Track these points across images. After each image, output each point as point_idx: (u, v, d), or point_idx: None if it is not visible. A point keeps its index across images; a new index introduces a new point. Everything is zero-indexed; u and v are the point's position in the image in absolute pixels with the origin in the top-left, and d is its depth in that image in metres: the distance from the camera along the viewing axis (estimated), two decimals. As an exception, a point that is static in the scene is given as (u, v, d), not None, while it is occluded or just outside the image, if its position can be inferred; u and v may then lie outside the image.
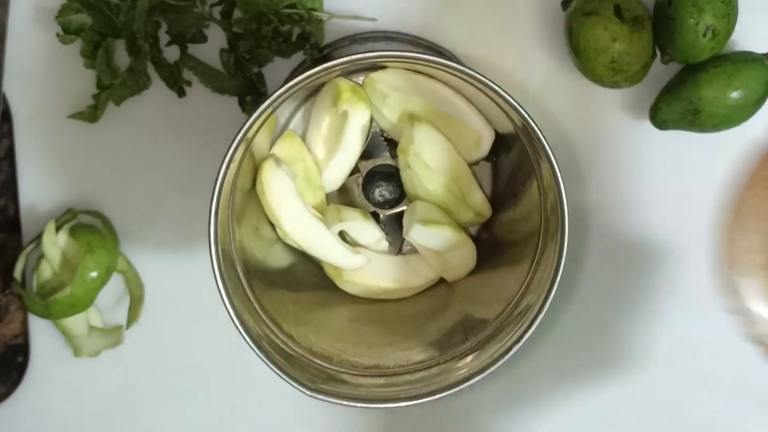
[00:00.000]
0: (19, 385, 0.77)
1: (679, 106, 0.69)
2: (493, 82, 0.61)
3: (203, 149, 0.74)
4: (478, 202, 0.72)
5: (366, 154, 0.72)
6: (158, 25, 0.71)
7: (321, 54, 0.72)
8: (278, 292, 0.70)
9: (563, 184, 0.61)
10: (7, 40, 0.73)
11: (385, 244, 0.73)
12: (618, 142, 0.74)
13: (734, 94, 0.68)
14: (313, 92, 0.71)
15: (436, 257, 0.72)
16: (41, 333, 0.77)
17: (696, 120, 0.69)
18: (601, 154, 0.74)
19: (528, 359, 0.77)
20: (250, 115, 0.60)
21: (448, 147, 0.70)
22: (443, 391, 0.63)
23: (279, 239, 0.72)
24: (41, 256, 0.74)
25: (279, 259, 0.72)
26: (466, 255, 0.71)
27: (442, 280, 0.73)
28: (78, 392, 0.78)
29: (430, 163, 0.69)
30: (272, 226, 0.71)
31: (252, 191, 0.69)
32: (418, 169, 0.69)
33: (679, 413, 0.78)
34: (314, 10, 0.70)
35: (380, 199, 0.73)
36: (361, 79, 0.70)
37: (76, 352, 0.76)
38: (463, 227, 0.72)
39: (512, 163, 0.71)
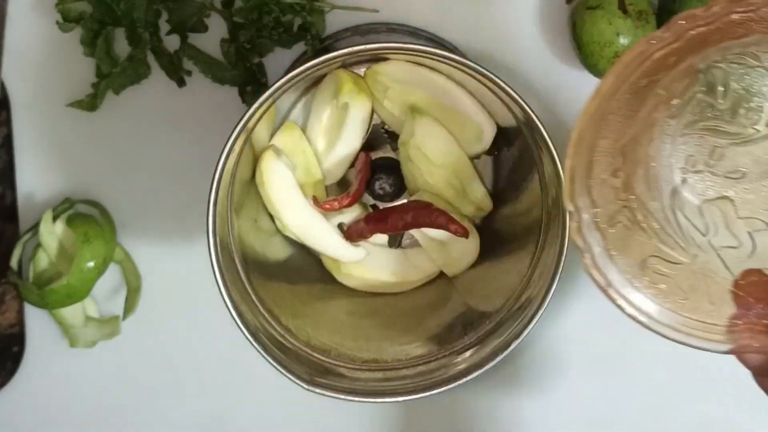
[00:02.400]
0: (15, 375, 0.77)
1: (682, 101, 0.69)
2: (496, 75, 0.61)
3: (203, 139, 0.74)
4: (479, 195, 0.71)
5: (367, 147, 0.71)
6: (159, 14, 0.71)
7: (322, 45, 0.71)
8: (276, 285, 0.70)
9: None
10: (6, 28, 0.73)
11: (384, 237, 0.73)
12: (620, 137, 0.74)
13: (738, 91, 0.67)
14: (314, 83, 0.71)
15: (439, 248, 0.71)
16: (37, 323, 0.77)
17: (699, 116, 0.69)
18: (604, 150, 0.74)
19: (527, 354, 0.76)
20: (250, 105, 0.60)
21: (449, 140, 0.70)
22: (441, 386, 0.63)
23: (278, 231, 0.71)
24: (38, 245, 0.73)
25: (277, 251, 0.72)
26: (469, 245, 0.71)
27: (441, 274, 0.73)
28: (73, 383, 0.78)
29: (431, 156, 0.69)
30: (271, 217, 0.70)
31: (251, 182, 0.69)
32: (419, 162, 0.69)
33: (680, 408, 0.78)
34: (316, 0, 0.70)
35: (381, 191, 0.73)
36: (362, 70, 0.70)
37: (72, 343, 0.76)
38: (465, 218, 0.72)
39: (513, 157, 0.71)
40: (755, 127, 0.52)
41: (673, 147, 0.54)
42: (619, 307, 0.50)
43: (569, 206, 0.49)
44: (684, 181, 0.55)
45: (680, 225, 0.54)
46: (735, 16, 0.46)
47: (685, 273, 0.52)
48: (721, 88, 0.54)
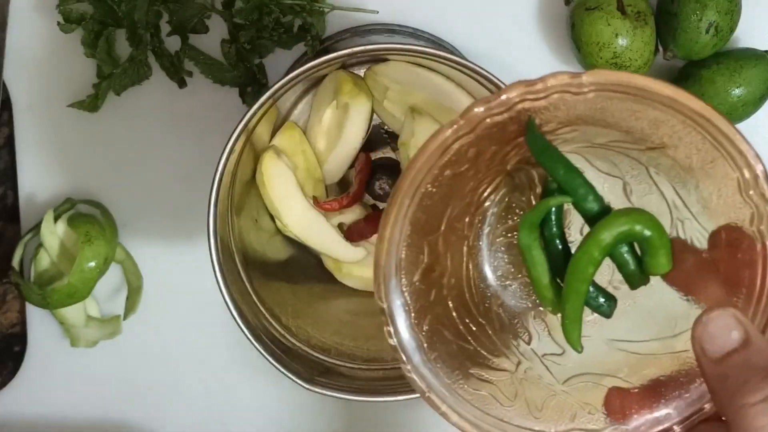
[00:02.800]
0: (16, 374, 0.77)
1: (681, 102, 0.69)
2: (495, 76, 0.61)
3: (203, 140, 0.74)
4: (479, 196, 0.71)
5: (367, 147, 0.71)
6: (159, 15, 0.71)
7: (322, 46, 0.71)
8: (277, 285, 0.70)
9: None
10: (7, 29, 0.73)
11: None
12: (619, 137, 0.74)
13: (736, 91, 0.68)
14: (314, 84, 0.71)
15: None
16: (39, 322, 0.77)
17: (698, 116, 0.69)
18: (602, 150, 0.74)
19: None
20: (250, 106, 0.60)
21: (448, 141, 0.70)
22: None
23: (278, 231, 0.72)
24: (39, 245, 0.74)
25: (278, 251, 0.72)
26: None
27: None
28: (75, 382, 0.78)
29: (431, 157, 0.69)
30: (272, 217, 0.71)
31: (252, 182, 0.69)
32: (418, 163, 0.69)
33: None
34: (316, 1, 0.70)
35: (381, 191, 0.73)
36: (362, 71, 0.70)
37: (74, 342, 0.76)
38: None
39: (513, 158, 0.71)
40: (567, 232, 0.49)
41: (491, 253, 0.51)
42: (443, 414, 0.45)
43: (382, 304, 0.44)
44: (505, 287, 0.51)
45: (504, 330, 0.50)
46: (528, 104, 0.42)
47: (510, 380, 0.48)
48: (529, 192, 0.50)
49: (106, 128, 0.75)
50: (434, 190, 0.45)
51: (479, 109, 0.42)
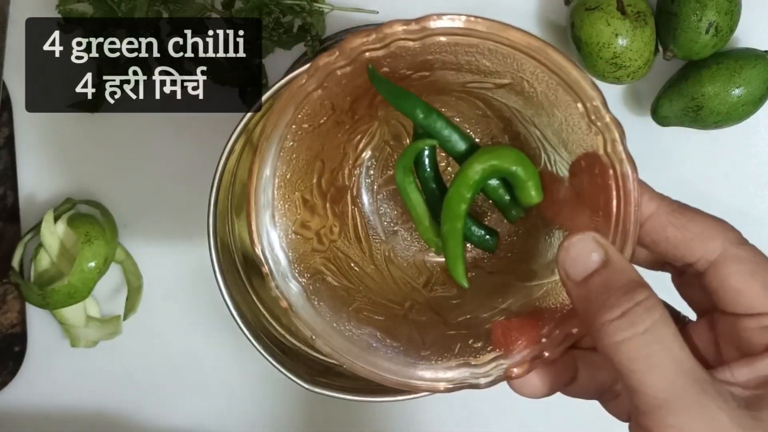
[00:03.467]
0: (17, 374, 0.77)
1: (681, 102, 0.69)
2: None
3: (203, 140, 0.74)
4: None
5: (366, 147, 0.71)
6: (159, 15, 0.71)
7: (322, 46, 0.71)
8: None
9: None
10: (7, 29, 0.73)
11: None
12: (619, 137, 0.74)
13: (736, 91, 0.68)
14: (314, 84, 0.71)
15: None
16: (39, 323, 0.77)
17: (698, 116, 0.69)
18: (602, 150, 0.74)
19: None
20: (250, 106, 0.60)
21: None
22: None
23: (278, 231, 0.72)
24: (39, 245, 0.74)
25: (278, 251, 0.72)
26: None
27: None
28: (75, 382, 0.78)
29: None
30: (271, 218, 0.71)
31: (252, 183, 0.69)
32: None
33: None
34: (316, 1, 0.70)
35: (380, 192, 0.73)
36: (362, 71, 0.70)
37: (74, 342, 0.76)
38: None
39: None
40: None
41: (377, 201, 0.52)
42: (329, 355, 0.45)
43: (259, 253, 0.45)
44: (394, 233, 0.53)
45: (392, 276, 0.51)
46: (379, 52, 0.43)
47: (398, 319, 0.48)
48: (405, 138, 0.51)
49: (106, 128, 0.75)
50: (295, 144, 0.45)
51: (326, 60, 0.42)
